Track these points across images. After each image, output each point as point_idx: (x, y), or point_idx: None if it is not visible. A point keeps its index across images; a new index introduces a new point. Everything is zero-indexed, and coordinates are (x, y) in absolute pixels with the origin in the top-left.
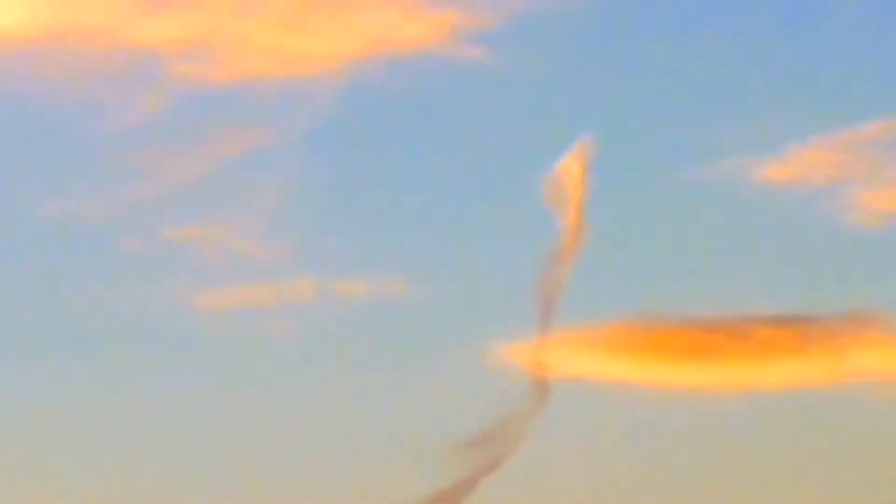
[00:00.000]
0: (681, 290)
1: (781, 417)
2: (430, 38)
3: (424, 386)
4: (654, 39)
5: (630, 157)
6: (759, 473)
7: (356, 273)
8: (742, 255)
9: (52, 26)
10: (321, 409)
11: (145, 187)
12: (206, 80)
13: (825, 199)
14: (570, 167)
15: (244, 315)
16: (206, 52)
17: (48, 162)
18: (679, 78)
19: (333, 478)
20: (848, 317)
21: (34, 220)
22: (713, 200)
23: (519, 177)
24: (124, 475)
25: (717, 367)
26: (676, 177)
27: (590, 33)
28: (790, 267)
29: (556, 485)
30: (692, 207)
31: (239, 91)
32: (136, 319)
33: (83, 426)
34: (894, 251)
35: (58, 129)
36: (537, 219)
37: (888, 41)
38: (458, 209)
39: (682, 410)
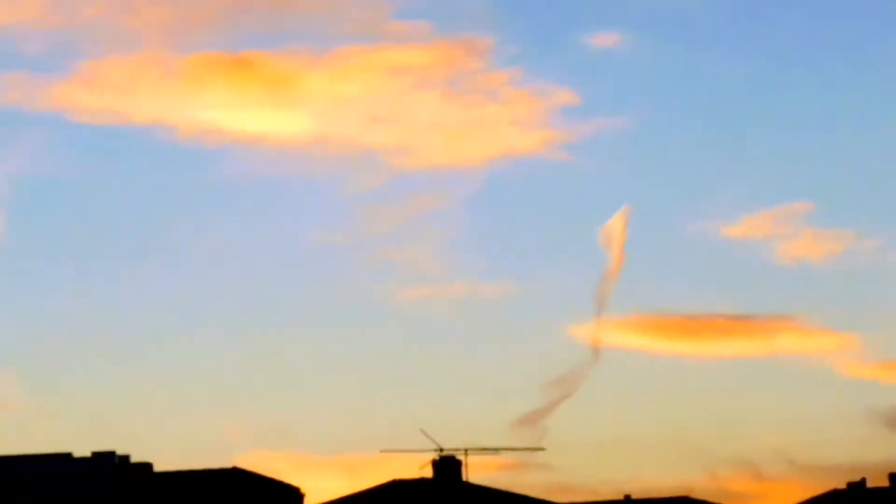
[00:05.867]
0: (681, 298)
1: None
2: (532, 147)
3: (528, 348)
4: (683, 156)
5: (652, 219)
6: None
7: (489, 279)
8: (710, 279)
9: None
10: (473, 359)
11: (379, 227)
12: (406, 166)
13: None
14: (615, 223)
15: (427, 303)
16: (408, 149)
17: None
18: (691, 173)
19: (472, 401)
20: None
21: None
22: (697, 248)
23: (585, 228)
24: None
25: (701, 343)
26: (681, 231)
27: (631, 148)
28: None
29: (604, 410)
30: (685, 249)
31: (422, 174)
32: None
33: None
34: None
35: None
36: (595, 253)
37: None
38: (550, 245)
39: (680, 370)
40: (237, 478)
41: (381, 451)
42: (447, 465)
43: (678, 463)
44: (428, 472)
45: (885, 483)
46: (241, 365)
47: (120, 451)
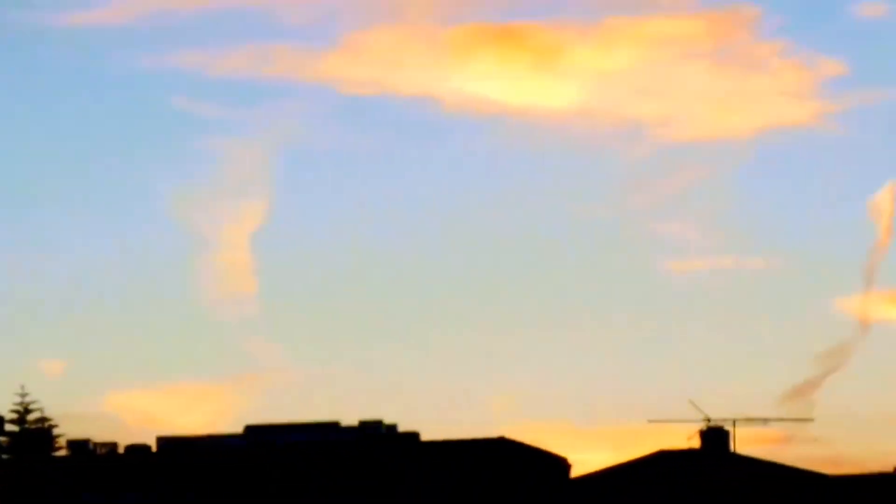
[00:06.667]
0: None
1: None
2: (800, 118)
3: (795, 320)
4: None
5: None
6: None
7: (756, 251)
8: None
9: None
10: (741, 331)
11: (645, 199)
12: (672, 138)
13: None
14: (884, 196)
15: (694, 275)
16: (674, 120)
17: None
18: None
19: (740, 372)
20: None
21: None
22: None
23: (853, 199)
24: None
25: None
26: None
27: None
28: None
29: (872, 383)
30: None
31: (688, 146)
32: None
33: None
34: None
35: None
36: (864, 226)
37: None
38: (817, 217)
39: None
40: (504, 447)
41: (649, 422)
42: (715, 436)
43: None
44: (695, 443)
45: None
46: (508, 335)
47: (387, 420)
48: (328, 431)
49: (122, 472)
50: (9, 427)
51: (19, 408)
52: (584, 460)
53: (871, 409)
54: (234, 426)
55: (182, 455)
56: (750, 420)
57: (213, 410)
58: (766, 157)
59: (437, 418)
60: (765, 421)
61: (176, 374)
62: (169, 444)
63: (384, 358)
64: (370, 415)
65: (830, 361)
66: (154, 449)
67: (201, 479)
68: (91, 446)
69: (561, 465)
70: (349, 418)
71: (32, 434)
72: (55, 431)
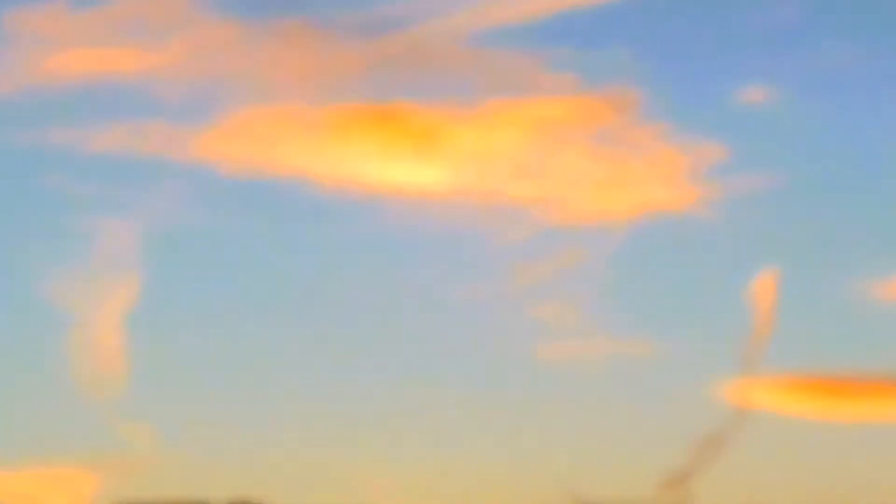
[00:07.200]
0: (829, 359)
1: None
2: (679, 203)
3: (671, 407)
4: (834, 214)
5: (801, 278)
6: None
7: (633, 336)
8: (860, 340)
9: (461, 187)
10: (615, 417)
11: (521, 282)
12: (551, 221)
13: None
14: (762, 282)
15: (570, 360)
16: (553, 203)
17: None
18: (841, 231)
19: (613, 459)
20: None
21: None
22: (847, 308)
23: (731, 285)
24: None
25: (850, 406)
26: (830, 290)
27: (780, 205)
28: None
29: (749, 472)
30: (835, 309)
31: (567, 229)
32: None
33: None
34: None
35: (445, 251)
36: (742, 312)
37: None
38: (695, 303)
39: (828, 433)
40: None
41: None
42: None
43: None
44: None
45: None
46: (382, 418)
47: (255, 499)
48: None
49: None
50: None
51: None
52: None
53: (749, 496)
54: None
55: None
56: None
57: (80, 492)
58: (645, 240)
59: (309, 499)
60: None
61: (43, 455)
62: None
63: (255, 438)
64: (240, 494)
65: (709, 448)
66: None
67: None
68: None
69: None
70: (218, 498)
71: None
72: None
